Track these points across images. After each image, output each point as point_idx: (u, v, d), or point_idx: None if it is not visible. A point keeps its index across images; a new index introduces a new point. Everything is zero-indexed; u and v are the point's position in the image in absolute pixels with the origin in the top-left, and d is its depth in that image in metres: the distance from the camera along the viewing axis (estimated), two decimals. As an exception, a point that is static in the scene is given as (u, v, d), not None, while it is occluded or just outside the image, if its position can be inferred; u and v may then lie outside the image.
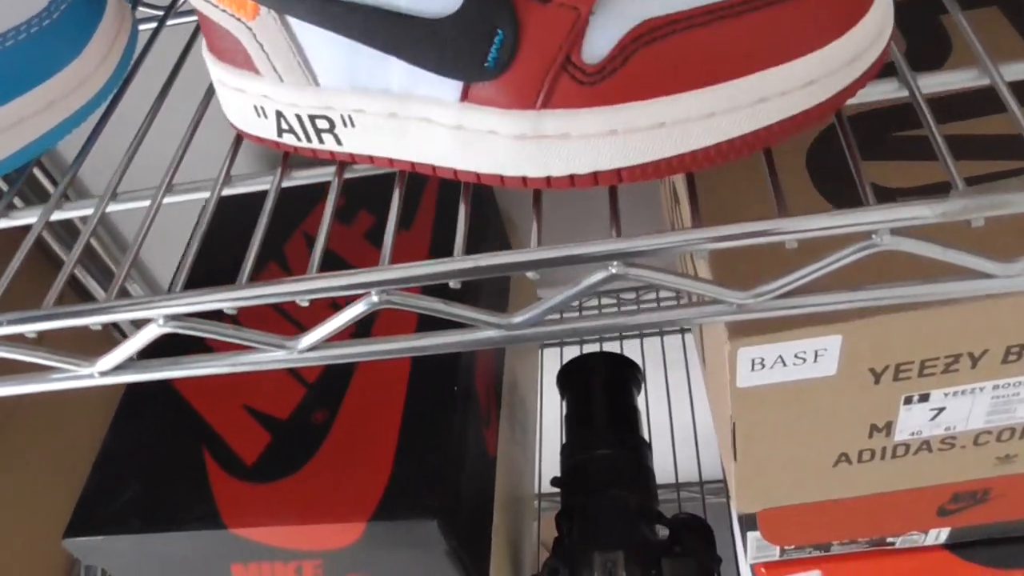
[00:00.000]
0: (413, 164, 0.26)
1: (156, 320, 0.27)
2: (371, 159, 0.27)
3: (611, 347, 0.72)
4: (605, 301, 0.77)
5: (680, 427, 0.70)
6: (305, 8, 0.23)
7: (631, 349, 0.70)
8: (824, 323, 0.35)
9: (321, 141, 0.27)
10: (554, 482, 0.60)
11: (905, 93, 0.26)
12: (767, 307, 0.25)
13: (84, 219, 0.32)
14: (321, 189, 0.29)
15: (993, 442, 0.41)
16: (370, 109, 0.25)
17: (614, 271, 0.24)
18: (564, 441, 0.62)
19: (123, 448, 0.50)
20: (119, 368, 0.29)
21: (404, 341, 0.27)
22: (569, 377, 0.65)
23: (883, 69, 0.25)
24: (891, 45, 0.24)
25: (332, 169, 0.29)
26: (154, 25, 0.40)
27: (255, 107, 0.27)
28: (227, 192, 0.31)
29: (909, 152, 0.37)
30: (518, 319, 0.26)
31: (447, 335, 0.27)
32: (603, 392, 0.62)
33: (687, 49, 0.21)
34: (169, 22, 0.40)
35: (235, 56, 0.27)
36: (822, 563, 0.52)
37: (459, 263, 0.25)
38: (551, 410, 0.72)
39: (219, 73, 0.28)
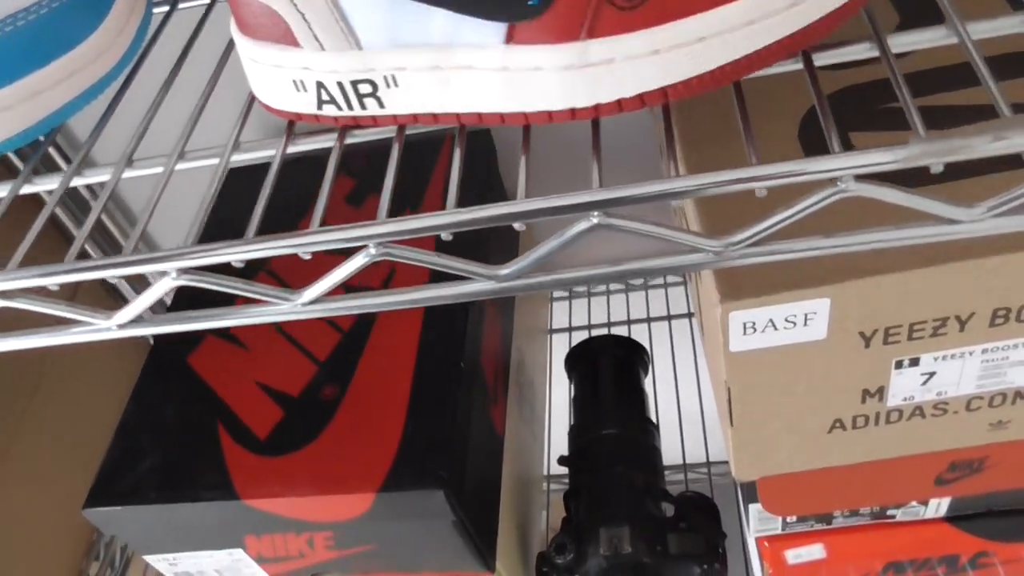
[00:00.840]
0: (458, 116, 0.28)
1: (170, 273, 0.29)
2: (415, 118, 0.29)
3: (619, 333, 0.74)
4: (614, 287, 0.79)
5: (687, 411, 0.72)
6: (353, -34, 0.26)
7: (639, 335, 0.72)
8: (812, 285, 0.37)
9: (363, 107, 0.29)
10: (561, 461, 0.62)
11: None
12: (743, 254, 0.27)
13: (90, 188, 0.34)
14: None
15: (985, 408, 0.43)
16: (412, 65, 0.27)
17: (596, 221, 0.26)
18: (572, 423, 0.64)
19: (141, 423, 0.52)
20: (135, 321, 0.31)
21: (399, 294, 0.29)
22: (577, 359, 0.67)
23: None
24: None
25: (334, 135, 0.31)
26: (166, 8, 0.43)
27: (294, 81, 0.29)
28: (236, 158, 0.33)
29: (893, 124, 0.39)
30: (506, 271, 0.27)
31: (440, 287, 0.29)
32: (610, 373, 0.64)
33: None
34: (181, 5, 0.43)
35: (272, 31, 0.29)
36: (824, 536, 0.54)
37: (451, 216, 0.27)
38: (560, 397, 0.74)
39: (253, 51, 0.30)
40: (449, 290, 0.28)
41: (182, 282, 0.29)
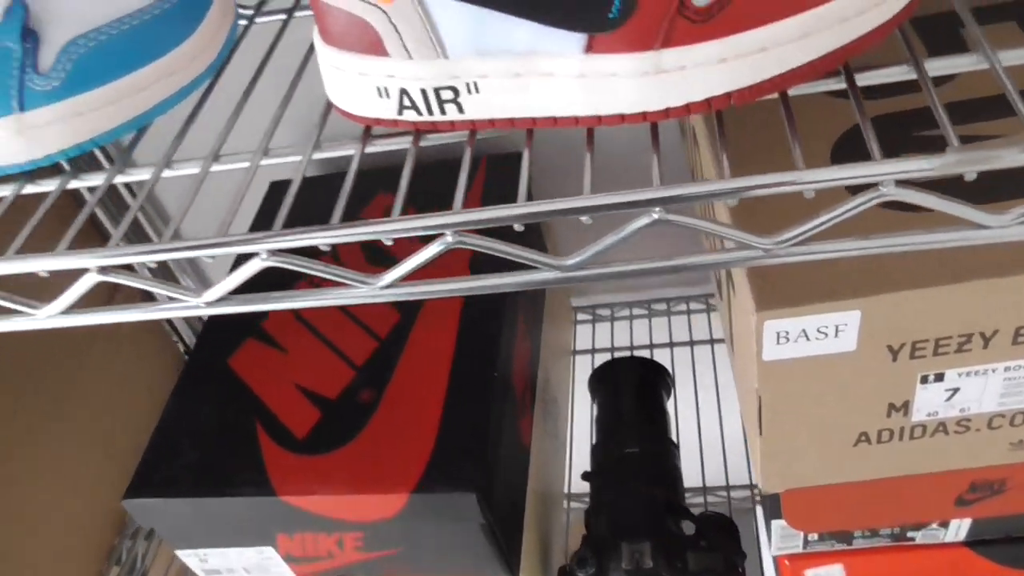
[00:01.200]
0: (535, 119, 0.31)
1: (260, 254, 0.31)
2: (491, 123, 0.31)
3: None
4: (637, 311, 0.81)
5: (708, 435, 0.73)
6: (447, -19, 0.28)
7: (661, 360, 0.73)
8: (844, 297, 0.39)
9: (443, 112, 0.32)
10: (584, 476, 0.63)
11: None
12: (790, 253, 0.29)
13: (128, 185, 0.36)
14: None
15: (1007, 426, 0.45)
16: (494, 72, 0.30)
17: (657, 216, 0.28)
18: (594, 442, 0.66)
19: (181, 419, 0.53)
20: (222, 300, 0.33)
21: (468, 281, 0.31)
22: (602, 378, 0.68)
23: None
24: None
25: (409, 138, 0.34)
26: (244, 23, 0.45)
27: (378, 88, 0.32)
28: (317, 156, 0.35)
29: (928, 149, 0.42)
30: (571, 261, 0.30)
31: (510, 275, 0.31)
32: (633, 393, 0.66)
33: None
34: (258, 20, 0.45)
35: (360, 42, 0.31)
36: (844, 557, 0.55)
37: (522, 208, 0.29)
38: (580, 418, 0.76)
39: (338, 60, 0.32)
40: (519, 278, 0.31)
41: (271, 263, 0.31)
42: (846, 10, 0.27)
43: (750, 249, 0.29)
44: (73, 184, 0.39)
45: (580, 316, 0.84)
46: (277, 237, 0.31)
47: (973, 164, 0.27)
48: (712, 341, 0.79)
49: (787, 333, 0.41)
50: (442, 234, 0.30)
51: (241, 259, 0.32)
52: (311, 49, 0.40)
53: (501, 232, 0.29)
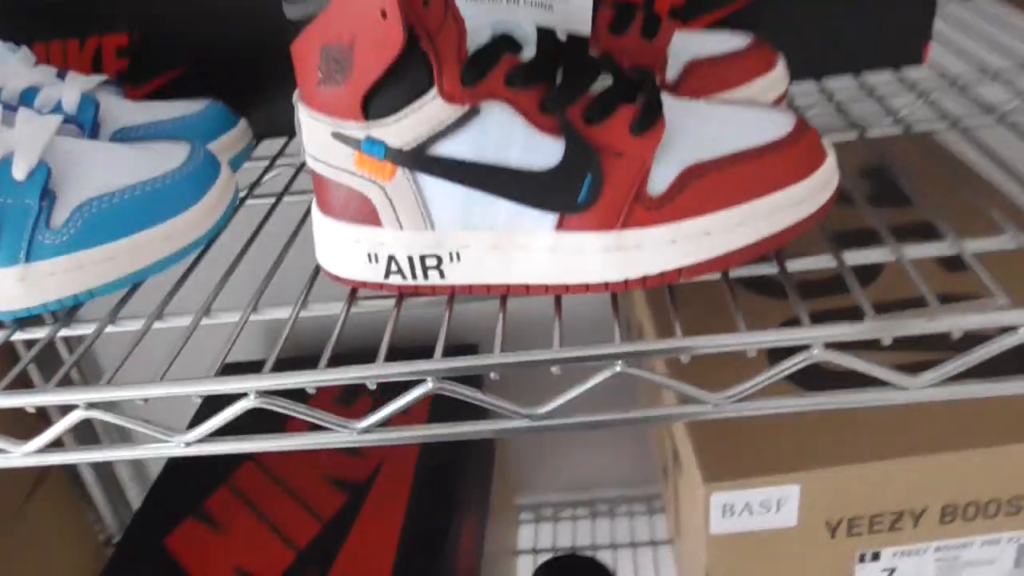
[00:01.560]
0: (508, 287, 0.34)
1: (249, 395, 0.33)
2: (470, 288, 0.35)
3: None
4: (580, 512, 0.81)
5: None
6: (441, 168, 0.33)
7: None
8: (783, 472, 0.42)
9: (426, 277, 0.35)
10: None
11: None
12: (735, 408, 0.32)
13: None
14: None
15: (946, 607, 0.47)
16: (476, 243, 0.34)
17: (619, 369, 0.32)
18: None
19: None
20: (203, 440, 0.34)
21: (443, 428, 0.34)
22: (544, 576, 0.68)
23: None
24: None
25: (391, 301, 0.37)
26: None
27: (368, 254, 0.36)
28: (305, 315, 0.37)
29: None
30: (541, 411, 0.32)
31: (482, 423, 0.33)
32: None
33: (722, 181, 0.32)
34: (249, 202, 0.49)
35: (357, 213, 0.35)
36: None
37: (499, 358, 0.32)
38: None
39: (333, 228, 0.36)
40: (491, 425, 0.33)
41: (259, 404, 0.33)
42: (774, 205, 0.33)
43: (699, 404, 0.32)
44: (17, 336, 0.40)
45: (523, 516, 0.84)
46: (266, 378, 0.33)
47: (889, 331, 0.31)
48: (654, 543, 0.80)
49: (732, 506, 0.43)
50: (424, 380, 0.32)
51: (215, 402, 0.33)
52: (301, 223, 0.44)
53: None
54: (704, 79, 0.42)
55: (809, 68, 0.52)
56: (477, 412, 0.72)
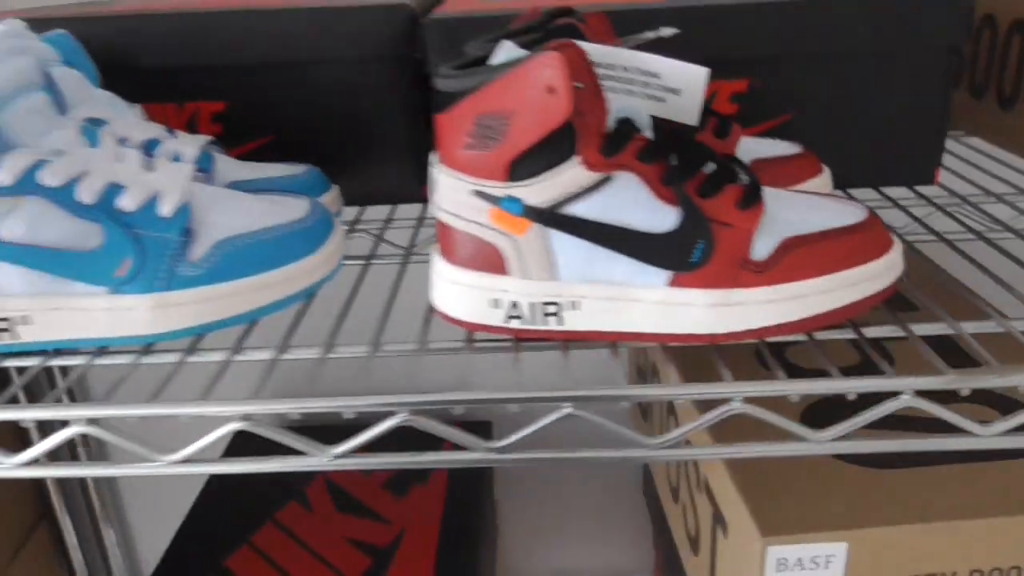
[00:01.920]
0: (621, 334, 0.39)
1: (234, 419, 0.38)
2: (584, 335, 0.40)
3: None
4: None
5: None
6: (572, 225, 0.38)
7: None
8: (833, 529, 0.46)
9: (545, 323, 0.40)
10: None
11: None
12: (668, 454, 0.38)
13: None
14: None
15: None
16: (594, 294, 0.39)
17: (568, 411, 0.37)
18: None
19: None
20: (189, 461, 0.39)
21: (409, 456, 0.39)
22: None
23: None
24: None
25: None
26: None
27: (491, 299, 0.40)
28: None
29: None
30: (501, 444, 0.38)
31: (447, 453, 0.38)
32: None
33: (816, 253, 0.37)
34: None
35: (485, 262, 0.39)
36: None
37: (464, 394, 0.37)
38: None
39: (456, 275, 0.41)
40: (454, 456, 0.38)
41: (243, 426, 0.37)
42: (858, 277, 0.38)
43: (642, 447, 0.38)
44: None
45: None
46: (251, 402, 0.37)
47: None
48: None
49: (786, 560, 0.46)
50: (395, 412, 0.37)
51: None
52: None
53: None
54: (767, 175, 0.49)
55: (837, 180, 0.59)
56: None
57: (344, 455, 0.39)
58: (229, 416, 0.38)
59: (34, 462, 0.39)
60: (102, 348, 0.43)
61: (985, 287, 0.47)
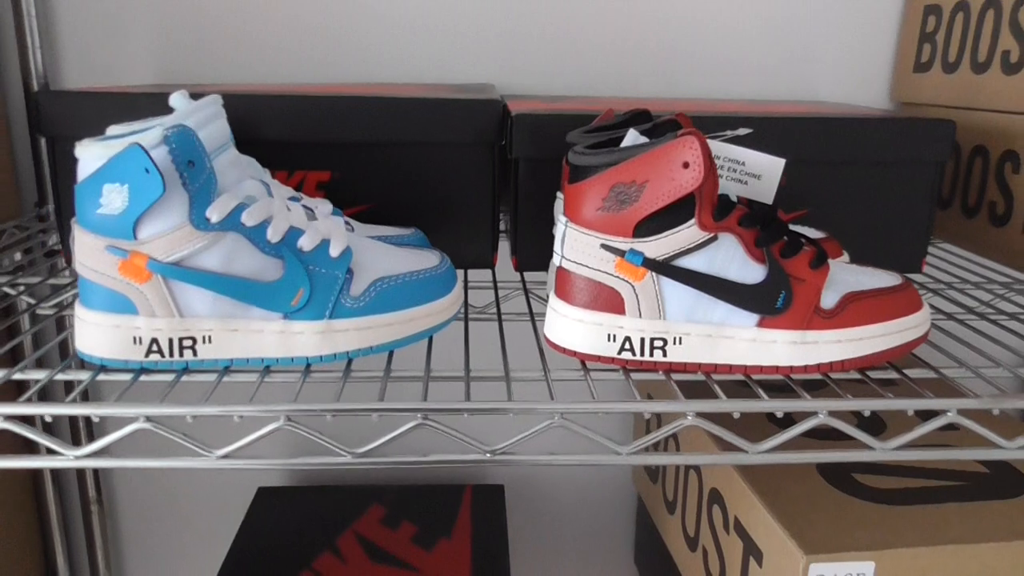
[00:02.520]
0: (716, 366, 0.48)
1: (279, 418, 0.45)
2: (684, 366, 0.49)
3: None
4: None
5: None
6: (681, 275, 0.47)
7: None
8: (864, 550, 0.55)
9: (651, 355, 0.49)
10: None
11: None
12: (634, 459, 0.45)
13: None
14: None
15: None
16: (695, 332, 0.48)
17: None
18: None
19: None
20: (233, 456, 0.45)
21: (415, 458, 0.47)
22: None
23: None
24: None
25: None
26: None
27: (608, 334, 0.49)
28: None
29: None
30: (497, 447, 0.46)
31: (446, 455, 0.46)
32: None
33: (871, 306, 0.47)
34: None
35: (605, 303, 0.48)
36: None
37: (468, 404, 0.47)
38: None
39: (580, 314, 0.49)
40: (452, 457, 0.45)
41: (285, 426, 0.44)
42: (902, 326, 0.48)
43: (613, 454, 0.45)
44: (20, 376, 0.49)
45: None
46: (294, 405, 0.45)
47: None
48: None
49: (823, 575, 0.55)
50: (415, 416, 0.45)
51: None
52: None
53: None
54: (805, 253, 0.60)
55: (845, 264, 0.71)
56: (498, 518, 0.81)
57: (369, 453, 0.45)
58: (272, 416, 0.44)
59: (94, 455, 0.44)
60: (268, 367, 0.50)
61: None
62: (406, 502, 0.94)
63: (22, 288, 0.65)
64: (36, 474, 0.94)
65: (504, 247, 0.90)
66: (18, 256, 0.75)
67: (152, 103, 0.63)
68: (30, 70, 0.88)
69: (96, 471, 0.97)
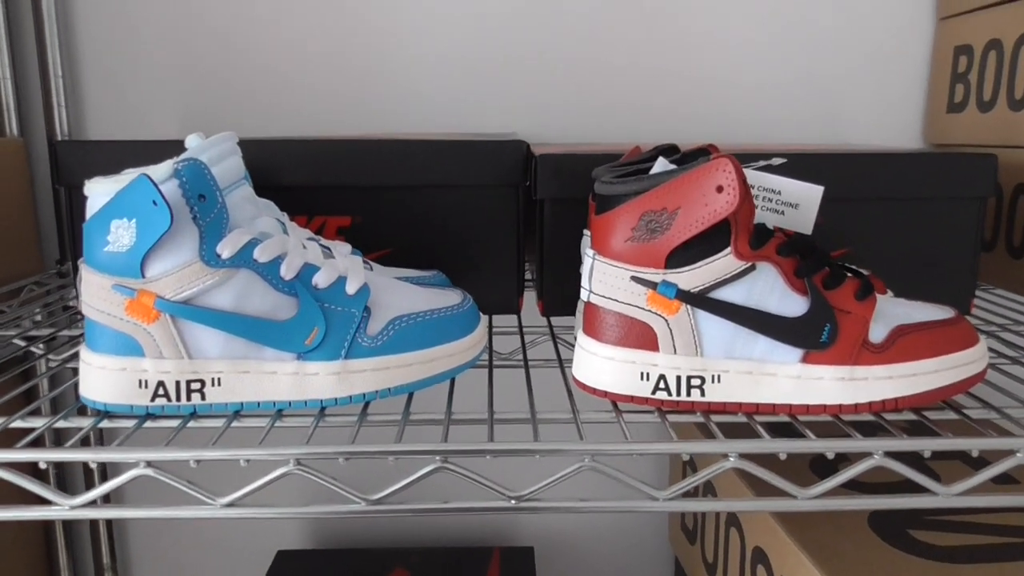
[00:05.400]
0: (758, 406, 0.45)
1: (289, 462, 0.42)
2: (724, 406, 0.45)
3: None
4: None
5: None
6: (719, 308, 0.44)
7: None
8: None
9: (689, 395, 0.45)
10: None
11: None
12: (677, 505, 0.41)
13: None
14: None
15: None
16: (735, 369, 0.45)
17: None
18: None
19: None
20: (238, 504, 0.41)
21: (440, 505, 0.43)
22: None
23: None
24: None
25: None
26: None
27: (641, 372, 0.46)
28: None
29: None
30: (521, 493, 0.42)
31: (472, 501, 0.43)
32: None
33: (922, 339, 0.44)
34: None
35: (637, 339, 0.45)
36: None
37: (489, 445, 0.42)
38: None
39: (611, 352, 0.46)
40: (482, 504, 0.42)
41: (295, 471, 0.41)
42: (957, 362, 0.45)
43: (650, 500, 0.41)
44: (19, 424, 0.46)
45: None
46: (304, 448, 0.42)
47: (782, 449, 0.42)
48: None
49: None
50: (434, 459, 0.41)
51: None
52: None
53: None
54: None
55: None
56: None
57: (383, 501, 0.41)
58: (281, 460, 0.41)
59: (91, 503, 0.41)
60: (280, 411, 0.47)
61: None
62: (432, 565, 0.89)
63: (41, 346, 0.63)
64: (49, 538, 0.91)
65: (530, 293, 0.87)
66: (37, 313, 0.74)
67: (169, 150, 0.62)
68: (55, 128, 0.89)
69: (111, 534, 0.94)
